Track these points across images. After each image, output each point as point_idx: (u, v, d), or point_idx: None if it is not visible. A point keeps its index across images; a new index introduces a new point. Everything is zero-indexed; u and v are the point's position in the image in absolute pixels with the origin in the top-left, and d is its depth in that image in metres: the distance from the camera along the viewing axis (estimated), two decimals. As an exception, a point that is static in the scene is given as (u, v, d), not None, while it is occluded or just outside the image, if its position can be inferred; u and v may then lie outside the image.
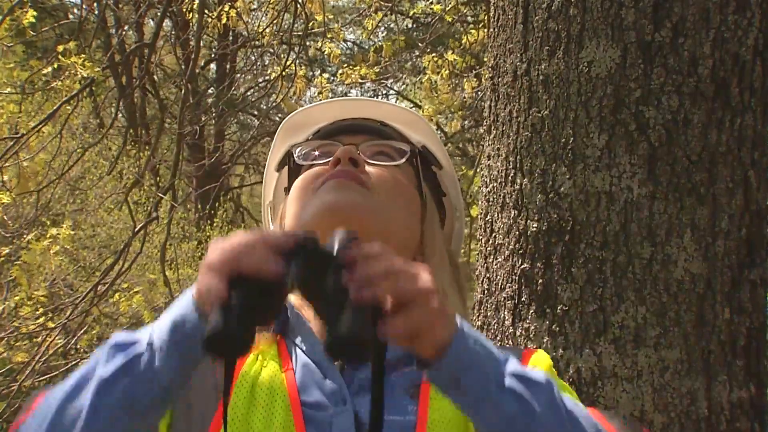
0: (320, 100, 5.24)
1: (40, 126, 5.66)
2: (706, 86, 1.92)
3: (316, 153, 1.37)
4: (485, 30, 6.38)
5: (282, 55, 9.13)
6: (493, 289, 2.07)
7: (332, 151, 1.34)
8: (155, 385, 1.04)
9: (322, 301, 1.01)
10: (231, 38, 11.26)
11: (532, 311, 1.94)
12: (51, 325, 6.63)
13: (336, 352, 0.95)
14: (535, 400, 1.05)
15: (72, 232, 10.21)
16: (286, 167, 1.43)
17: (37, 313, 7.68)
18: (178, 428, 1.19)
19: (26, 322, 7.57)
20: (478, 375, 1.03)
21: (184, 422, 1.18)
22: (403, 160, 1.42)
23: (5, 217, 7.84)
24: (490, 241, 2.09)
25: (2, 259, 7.72)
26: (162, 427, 1.19)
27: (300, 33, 6.98)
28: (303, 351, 1.25)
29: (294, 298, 1.30)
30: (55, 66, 6.13)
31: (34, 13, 6.30)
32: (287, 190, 1.41)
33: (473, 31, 6.93)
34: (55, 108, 5.72)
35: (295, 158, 1.39)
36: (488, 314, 2.05)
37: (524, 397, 1.04)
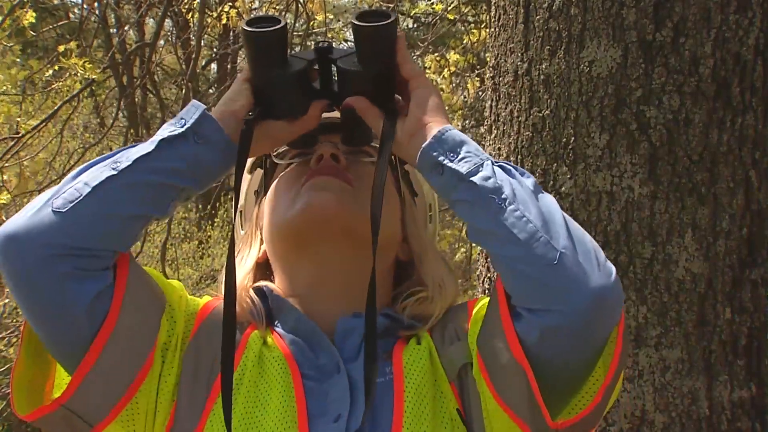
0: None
1: (41, 126, 5.66)
2: (707, 86, 1.92)
3: (294, 152, 1.37)
4: (487, 30, 6.38)
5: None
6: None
7: (311, 150, 1.33)
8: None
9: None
10: (232, 38, 11.26)
11: (533, 311, 1.94)
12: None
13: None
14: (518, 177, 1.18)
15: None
16: (259, 169, 1.44)
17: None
18: (185, 384, 1.20)
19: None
20: (472, 150, 1.17)
21: (189, 389, 1.20)
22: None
23: (4, 218, 7.84)
24: (491, 241, 2.09)
25: None
26: (168, 383, 1.20)
27: (301, 33, 6.99)
28: (287, 331, 1.27)
29: (273, 285, 1.32)
30: (56, 68, 6.14)
31: (34, 14, 6.30)
32: (258, 192, 1.41)
33: (474, 30, 6.93)
34: (55, 108, 5.73)
35: (272, 157, 1.39)
36: (489, 314, 2.05)
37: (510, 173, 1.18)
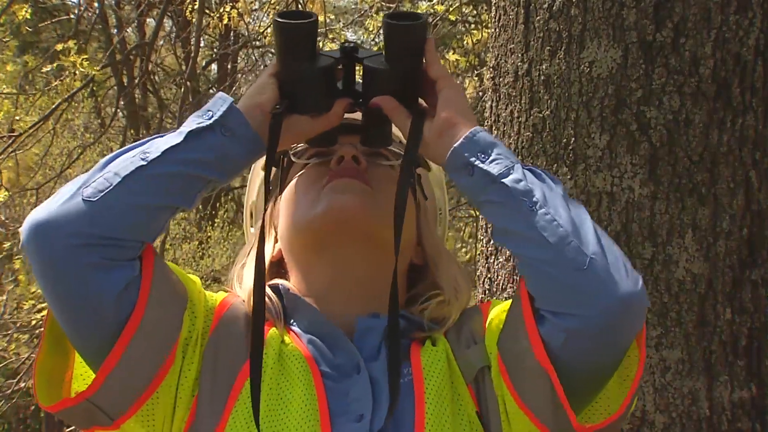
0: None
1: (39, 124, 5.65)
2: (707, 86, 1.92)
3: (312, 151, 1.37)
4: (487, 30, 6.38)
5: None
6: (495, 289, 2.07)
7: (329, 150, 1.33)
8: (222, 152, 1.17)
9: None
10: (232, 38, 11.26)
11: (533, 311, 1.94)
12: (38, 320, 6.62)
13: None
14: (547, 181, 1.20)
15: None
16: (274, 167, 1.43)
17: (38, 307, 7.68)
18: (205, 389, 1.20)
19: (28, 317, 7.58)
20: (502, 153, 1.19)
21: (210, 385, 1.20)
22: (400, 160, 1.43)
23: (2, 217, 7.84)
24: (492, 242, 2.09)
25: (3, 255, 7.72)
26: (188, 379, 1.20)
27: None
28: (304, 330, 1.27)
29: (288, 284, 1.31)
30: (55, 66, 6.14)
31: (30, 10, 6.30)
32: (270, 190, 1.41)
33: (475, 31, 6.93)
34: (53, 107, 5.72)
35: (291, 156, 1.39)
36: (489, 314, 2.05)
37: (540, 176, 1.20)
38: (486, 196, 1.18)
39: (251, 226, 1.52)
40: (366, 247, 1.29)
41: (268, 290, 1.28)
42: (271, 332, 1.26)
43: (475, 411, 1.23)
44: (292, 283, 1.33)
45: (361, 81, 1.27)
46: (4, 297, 7.97)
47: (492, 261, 2.09)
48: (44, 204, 1.14)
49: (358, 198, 1.28)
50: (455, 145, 1.18)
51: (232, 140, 1.17)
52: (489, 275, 2.09)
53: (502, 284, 2.04)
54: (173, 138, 1.16)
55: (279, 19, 1.20)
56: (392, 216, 1.27)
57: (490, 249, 2.10)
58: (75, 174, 10.19)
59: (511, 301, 1.36)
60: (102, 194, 1.11)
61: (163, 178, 1.14)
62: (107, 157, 1.17)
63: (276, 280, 1.32)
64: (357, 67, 1.28)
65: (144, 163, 1.13)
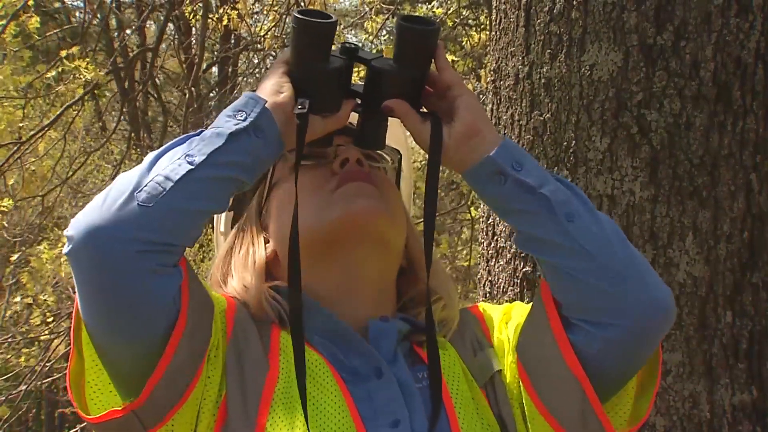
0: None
1: (44, 131, 5.66)
2: (707, 89, 1.92)
3: (308, 151, 1.35)
4: (487, 33, 6.38)
5: (284, 59, 9.11)
6: (495, 292, 2.07)
7: (325, 152, 1.33)
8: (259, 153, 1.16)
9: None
10: (233, 41, 11.26)
11: (534, 314, 1.94)
12: (48, 330, 6.63)
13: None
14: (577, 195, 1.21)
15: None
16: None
17: (41, 318, 7.68)
18: (233, 396, 1.18)
19: (32, 327, 7.58)
20: (533, 163, 1.20)
21: (239, 394, 1.18)
22: (396, 163, 1.43)
23: (5, 224, 7.84)
24: (492, 245, 2.09)
25: (12, 265, 7.72)
26: (213, 382, 1.18)
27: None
28: (317, 334, 1.26)
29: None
30: (59, 70, 6.14)
31: (38, 18, 6.31)
32: (257, 190, 1.39)
33: (474, 34, 6.93)
34: (58, 113, 5.73)
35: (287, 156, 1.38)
36: (490, 317, 2.05)
37: (571, 189, 1.20)
38: (520, 205, 1.18)
39: (221, 227, 1.51)
40: (377, 249, 1.29)
41: (272, 293, 1.28)
42: (285, 336, 1.24)
43: (499, 415, 1.23)
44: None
45: (362, 82, 1.27)
46: (9, 302, 7.98)
47: (492, 264, 2.09)
48: (93, 208, 1.11)
49: (374, 202, 1.27)
50: (490, 153, 1.19)
51: (264, 142, 1.16)
52: (490, 278, 2.09)
53: (503, 287, 2.04)
54: (214, 140, 1.14)
55: (303, 17, 1.19)
56: (398, 220, 1.28)
57: (490, 252, 2.10)
58: (78, 178, 10.19)
59: (513, 304, 1.37)
60: (156, 199, 1.09)
61: (209, 182, 1.13)
62: (151, 157, 1.15)
63: (276, 282, 1.30)
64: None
65: (192, 167, 1.12)
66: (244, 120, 1.15)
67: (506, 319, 1.34)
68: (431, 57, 1.23)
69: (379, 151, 1.37)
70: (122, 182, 1.12)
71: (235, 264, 1.32)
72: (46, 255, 7.27)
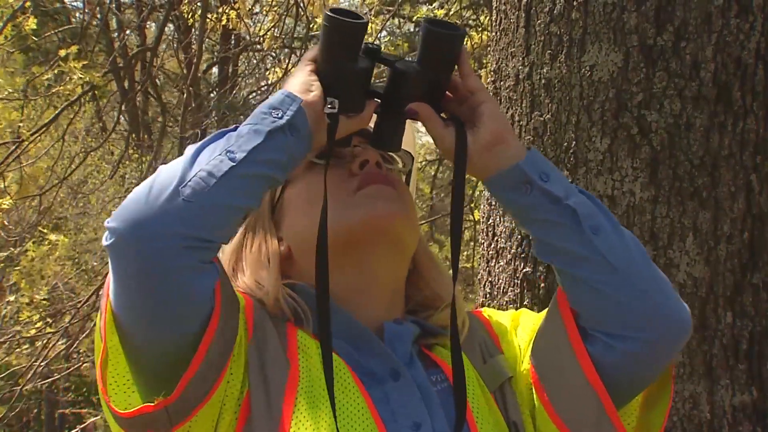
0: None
1: (42, 131, 5.66)
2: (708, 90, 1.92)
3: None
4: (487, 33, 6.38)
5: (283, 59, 9.13)
6: (495, 293, 2.07)
7: (342, 152, 1.32)
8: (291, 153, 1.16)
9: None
10: (233, 42, 11.27)
11: (534, 315, 1.94)
12: (49, 330, 6.63)
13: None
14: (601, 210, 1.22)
15: (73, 236, 10.21)
16: None
17: (36, 317, 7.68)
18: (256, 394, 1.17)
19: (27, 327, 7.58)
20: (559, 174, 1.22)
21: (263, 392, 1.18)
22: (410, 166, 1.43)
23: (5, 222, 7.85)
24: (492, 245, 2.09)
25: (1, 264, 7.72)
26: (235, 378, 1.17)
27: (301, 36, 6.99)
28: (333, 335, 1.24)
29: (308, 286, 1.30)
30: (56, 72, 6.14)
31: (35, 20, 6.30)
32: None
33: (475, 34, 6.93)
34: (56, 113, 5.73)
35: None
36: (490, 318, 2.05)
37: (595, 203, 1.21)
38: (545, 215, 1.19)
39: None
40: (393, 252, 1.29)
41: (289, 291, 1.27)
42: (302, 335, 1.24)
43: (513, 421, 1.24)
44: (307, 283, 1.29)
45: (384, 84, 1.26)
46: (7, 302, 7.98)
47: (493, 265, 2.08)
48: (138, 201, 1.10)
49: (395, 205, 1.28)
50: (518, 162, 1.19)
51: (298, 140, 1.16)
52: (490, 279, 2.09)
53: (503, 288, 2.04)
54: (253, 137, 1.14)
55: (337, 17, 1.18)
56: (413, 220, 1.30)
57: (491, 253, 2.10)
58: (77, 178, 10.19)
59: (520, 311, 1.38)
60: (200, 195, 1.09)
61: (249, 179, 1.13)
62: (192, 150, 1.15)
63: (290, 280, 1.30)
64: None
65: (234, 163, 1.11)
66: (280, 118, 1.15)
67: (515, 326, 1.34)
68: (455, 62, 1.23)
69: (391, 153, 1.37)
70: (166, 175, 1.12)
71: (247, 261, 1.31)
72: (31, 253, 7.27)
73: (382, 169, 1.31)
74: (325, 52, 1.22)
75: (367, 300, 1.28)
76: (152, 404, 1.12)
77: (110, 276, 1.13)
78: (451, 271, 1.26)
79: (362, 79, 1.23)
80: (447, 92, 1.25)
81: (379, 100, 1.25)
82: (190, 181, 1.10)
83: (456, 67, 1.24)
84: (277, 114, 1.16)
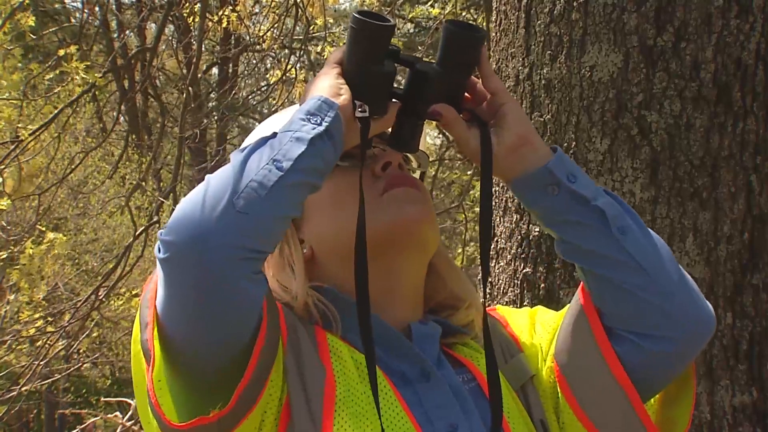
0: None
1: (41, 130, 5.65)
2: (708, 91, 1.92)
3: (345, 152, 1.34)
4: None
5: (283, 59, 9.14)
6: (495, 293, 2.07)
7: (357, 152, 1.31)
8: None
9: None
10: (232, 42, 11.27)
11: (534, 316, 1.94)
12: (50, 329, 6.63)
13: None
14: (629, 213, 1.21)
15: (73, 237, 10.21)
16: None
17: (36, 316, 7.68)
18: (296, 399, 1.16)
19: (27, 326, 7.58)
20: (585, 175, 1.21)
21: (302, 397, 1.17)
22: (425, 167, 1.43)
23: (4, 223, 7.85)
24: (492, 246, 2.09)
25: (1, 264, 7.72)
26: (275, 385, 1.16)
27: (301, 37, 6.99)
28: (358, 335, 1.23)
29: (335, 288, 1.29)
30: (57, 72, 6.14)
31: (33, 18, 6.31)
32: None
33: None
34: (56, 113, 5.72)
35: None
36: (490, 319, 2.05)
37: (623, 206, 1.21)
38: (573, 216, 1.19)
39: None
40: (418, 254, 1.29)
41: (317, 294, 1.26)
42: (332, 338, 1.23)
43: (541, 420, 1.25)
44: (332, 285, 1.29)
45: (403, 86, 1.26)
46: (7, 302, 7.98)
47: (493, 265, 2.09)
48: (192, 213, 1.09)
49: (423, 208, 1.28)
50: (546, 164, 1.19)
51: (332, 146, 1.15)
52: (490, 279, 2.09)
53: (503, 288, 2.04)
54: (296, 145, 1.13)
55: (366, 20, 1.18)
56: (436, 222, 1.30)
57: (491, 253, 2.10)
58: (77, 178, 10.19)
59: (536, 309, 1.38)
60: (254, 207, 1.09)
61: (295, 187, 1.12)
62: (240, 158, 1.13)
63: (316, 283, 1.28)
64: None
65: (282, 173, 1.11)
66: (319, 124, 1.14)
67: (532, 324, 1.35)
68: (476, 63, 1.23)
69: (408, 154, 1.37)
70: (217, 186, 1.11)
71: (269, 263, 1.29)
72: (29, 250, 7.27)
73: (404, 170, 1.31)
74: (353, 55, 1.21)
75: (394, 301, 1.28)
76: (207, 416, 1.11)
77: (161, 288, 1.12)
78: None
79: (387, 82, 1.23)
80: (466, 93, 1.25)
81: (399, 102, 1.25)
82: (242, 192, 1.09)
83: (476, 68, 1.24)
84: (316, 120, 1.15)
